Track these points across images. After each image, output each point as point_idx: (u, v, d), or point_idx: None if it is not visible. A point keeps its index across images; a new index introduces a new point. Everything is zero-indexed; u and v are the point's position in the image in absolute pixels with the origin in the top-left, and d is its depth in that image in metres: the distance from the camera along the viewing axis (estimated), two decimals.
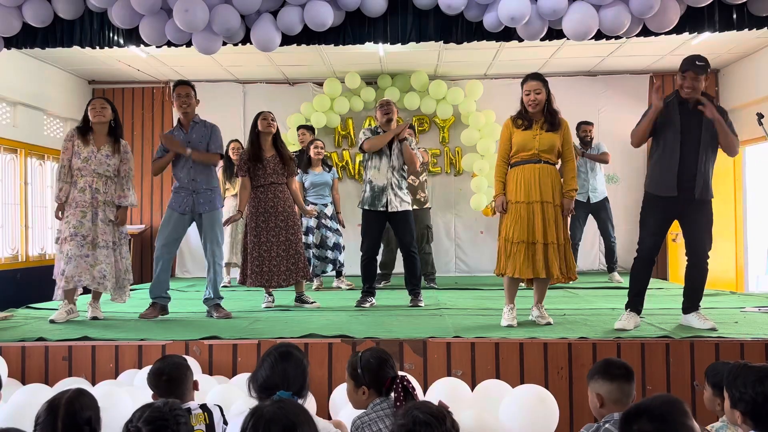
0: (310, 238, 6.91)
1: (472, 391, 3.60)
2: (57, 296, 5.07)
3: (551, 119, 4.66)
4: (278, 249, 5.56)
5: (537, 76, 4.69)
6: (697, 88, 4.34)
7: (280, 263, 5.56)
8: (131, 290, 6.77)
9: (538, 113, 4.65)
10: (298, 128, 7.79)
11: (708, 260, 4.46)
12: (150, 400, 3.01)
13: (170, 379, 2.81)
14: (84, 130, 5.10)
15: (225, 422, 2.82)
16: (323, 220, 7.04)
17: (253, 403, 2.49)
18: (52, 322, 4.91)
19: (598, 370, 2.67)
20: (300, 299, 5.78)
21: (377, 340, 4.03)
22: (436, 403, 2.16)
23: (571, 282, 4.77)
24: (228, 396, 3.37)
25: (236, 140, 7.70)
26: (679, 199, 4.34)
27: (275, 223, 5.57)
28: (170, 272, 5.40)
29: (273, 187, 5.59)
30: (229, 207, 7.48)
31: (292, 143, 8.51)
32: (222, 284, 5.67)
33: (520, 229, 4.54)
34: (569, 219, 7.27)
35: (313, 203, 7.00)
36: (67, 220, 5.02)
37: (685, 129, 4.33)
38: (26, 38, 4.96)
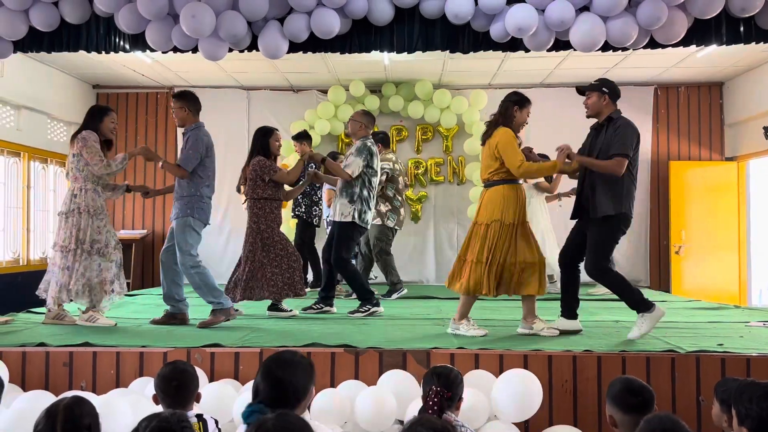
0: None
1: None
2: (114, 300, 5.12)
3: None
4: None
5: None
6: (589, 107, 4.60)
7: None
8: (129, 295, 6.76)
9: None
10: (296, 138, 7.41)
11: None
12: (150, 404, 3.00)
13: (179, 386, 2.81)
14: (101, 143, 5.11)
15: None
16: None
17: None
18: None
19: (615, 395, 2.65)
20: (276, 307, 5.68)
21: (380, 350, 4.00)
22: None
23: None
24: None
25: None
26: None
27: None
28: (173, 279, 5.22)
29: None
30: None
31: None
32: None
33: (538, 248, 4.61)
34: None
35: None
36: (107, 229, 5.07)
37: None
38: (33, 42, 4.96)
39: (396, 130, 9.08)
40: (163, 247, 5.28)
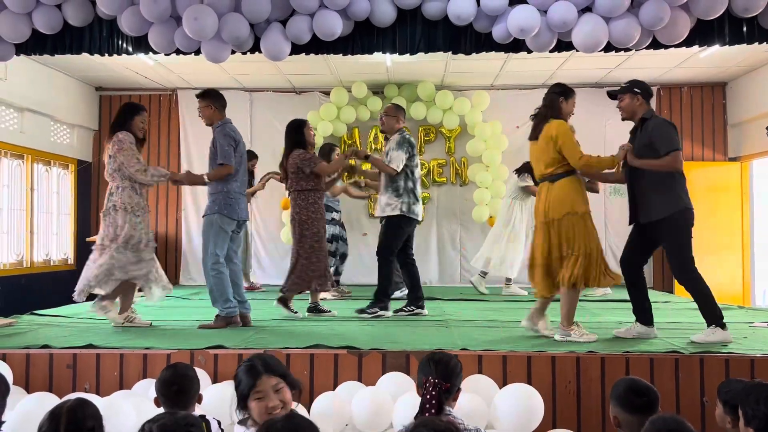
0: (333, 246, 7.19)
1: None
2: (139, 300, 5.09)
3: None
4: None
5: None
6: (623, 109, 4.57)
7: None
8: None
9: None
10: None
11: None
12: (154, 406, 3.00)
13: (180, 390, 2.81)
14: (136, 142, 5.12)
15: None
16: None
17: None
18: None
19: (620, 396, 2.64)
20: (317, 309, 5.75)
21: (383, 351, 4.00)
22: None
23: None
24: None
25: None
26: None
27: None
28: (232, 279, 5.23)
29: None
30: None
31: None
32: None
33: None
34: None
35: (337, 210, 7.28)
36: (141, 226, 5.04)
37: None
38: (36, 45, 4.97)
39: None
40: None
